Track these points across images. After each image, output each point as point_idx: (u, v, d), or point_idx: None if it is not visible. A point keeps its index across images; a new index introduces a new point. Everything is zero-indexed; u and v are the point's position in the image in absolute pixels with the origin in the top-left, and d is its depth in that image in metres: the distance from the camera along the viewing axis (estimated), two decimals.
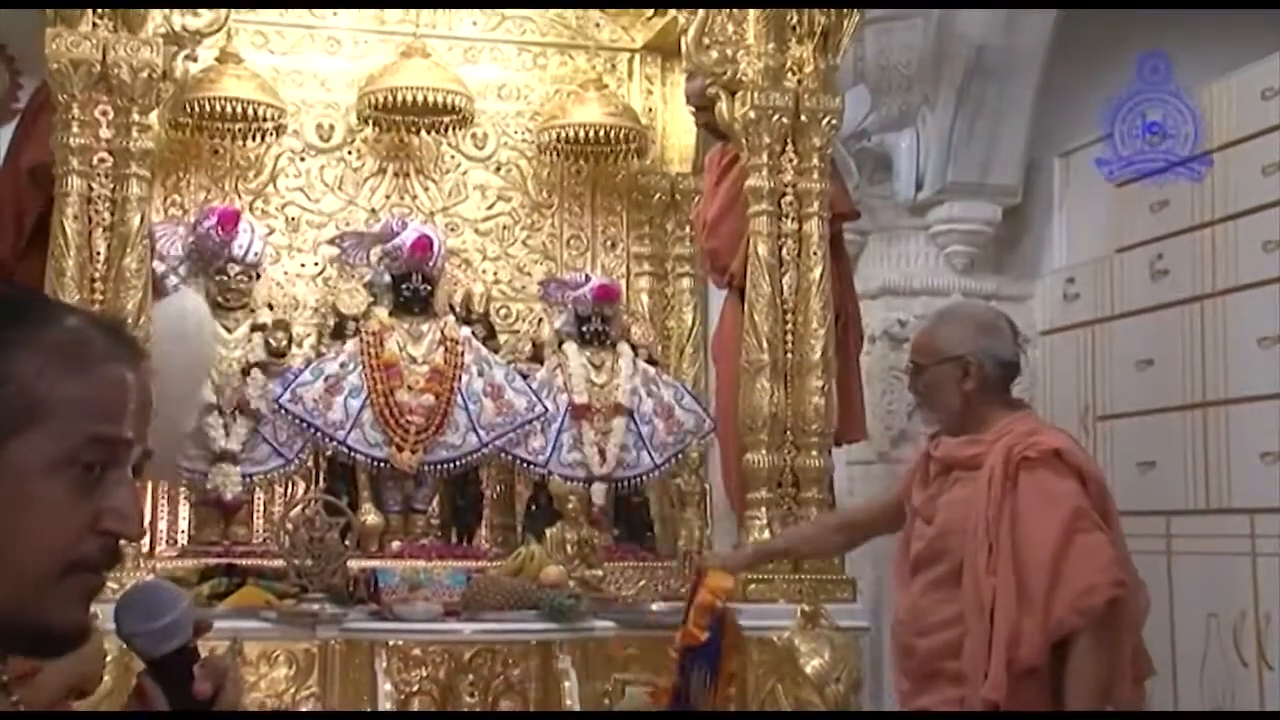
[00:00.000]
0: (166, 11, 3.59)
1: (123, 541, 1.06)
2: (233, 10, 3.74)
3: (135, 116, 3.52)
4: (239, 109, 4.05)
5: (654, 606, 3.82)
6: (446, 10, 4.41)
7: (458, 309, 4.20)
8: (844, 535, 3.58)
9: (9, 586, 1.00)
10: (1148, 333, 4.33)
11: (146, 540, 3.77)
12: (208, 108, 4.05)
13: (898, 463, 4.61)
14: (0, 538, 1.00)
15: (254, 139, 4.19)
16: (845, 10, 3.94)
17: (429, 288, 4.09)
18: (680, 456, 4.25)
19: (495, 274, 4.45)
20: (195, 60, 3.72)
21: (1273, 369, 3.83)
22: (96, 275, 3.48)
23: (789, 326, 3.84)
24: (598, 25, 4.56)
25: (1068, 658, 2.85)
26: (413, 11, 4.30)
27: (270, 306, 4.04)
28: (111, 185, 3.51)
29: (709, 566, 3.53)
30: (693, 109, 4.18)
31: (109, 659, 3.08)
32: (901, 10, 4.66)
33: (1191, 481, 4.09)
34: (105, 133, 3.51)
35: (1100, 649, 2.85)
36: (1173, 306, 4.22)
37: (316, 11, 4.33)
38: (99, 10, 3.54)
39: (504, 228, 4.48)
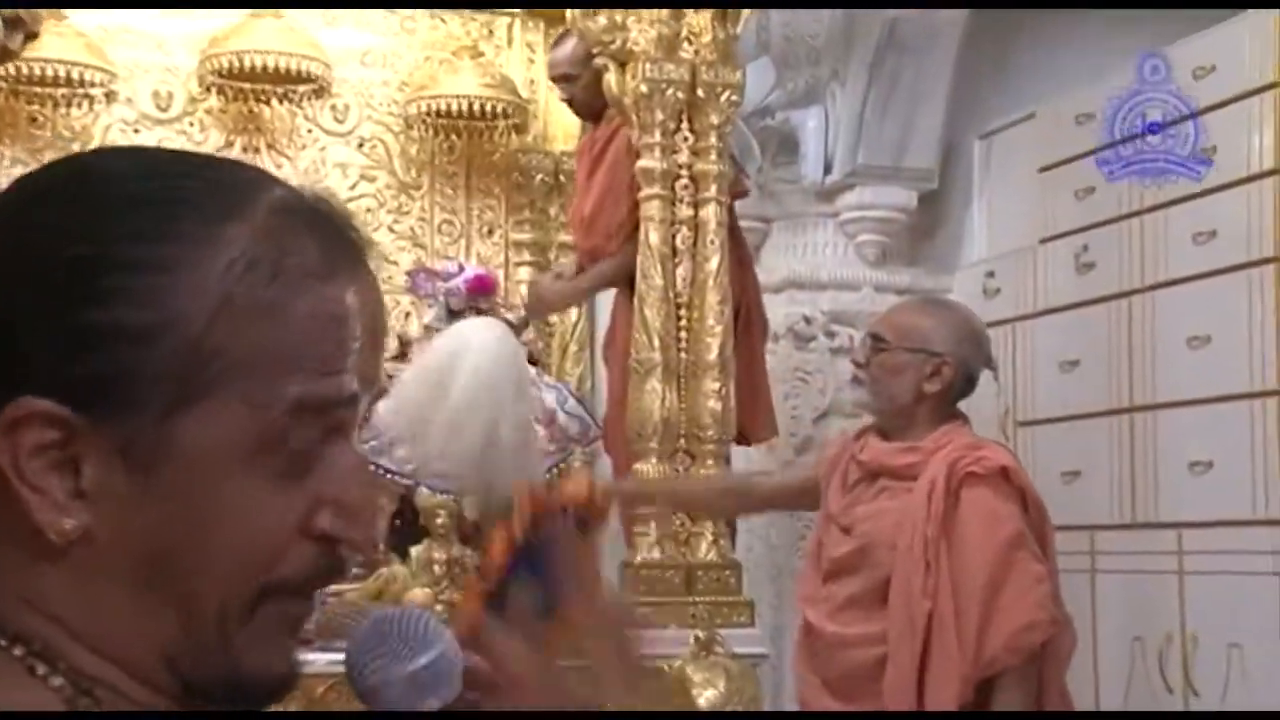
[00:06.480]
0: None
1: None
2: None
3: None
4: (61, 72, 4.06)
5: None
6: None
7: None
8: (733, 500, 3.62)
9: (182, 621, 0.76)
10: (1072, 331, 4.38)
11: None
12: (24, 70, 4.04)
13: None
14: (169, 555, 0.75)
15: (79, 107, 4.20)
16: None
17: None
18: (563, 466, 4.17)
19: None
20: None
21: (1202, 371, 3.88)
22: None
23: (683, 323, 3.87)
24: None
25: (993, 696, 2.89)
26: None
27: None
28: None
29: (574, 477, 3.48)
30: (557, 79, 4.16)
31: None
32: None
33: (1116, 493, 4.15)
34: None
35: (1025, 687, 2.90)
36: (1099, 303, 4.28)
37: None
38: None
39: (367, 210, 4.45)
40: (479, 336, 3.83)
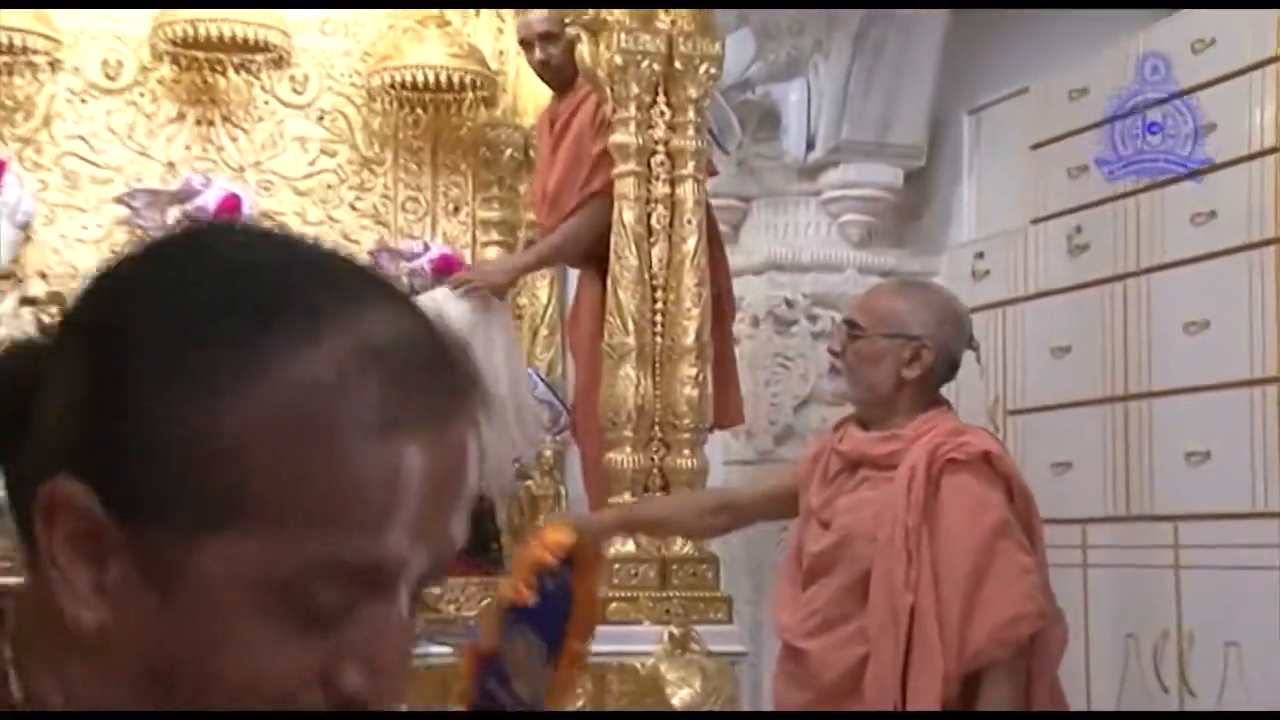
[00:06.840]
0: None
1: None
2: None
3: None
4: (3, 39, 4.04)
5: None
6: None
7: None
8: (724, 518, 3.56)
9: None
10: (1065, 315, 4.35)
11: None
12: None
13: (781, 463, 4.60)
14: (172, 674, 0.74)
15: (22, 75, 4.20)
16: None
17: None
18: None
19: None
20: None
21: (1200, 358, 3.85)
22: None
23: (658, 305, 3.88)
24: None
25: (980, 690, 2.87)
26: None
27: (44, 276, 4.11)
28: None
29: (555, 522, 3.44)
30: (536, 38, 4.11)
31: None
32: None
33: (1109, 484, 4.11)
34: None
35: (1014, 681, 2.89)
36: (1092, 286, 4.24)
37: None
38: None
39: (328, 187, 4.49)
40: (473, 319, 3.87)
